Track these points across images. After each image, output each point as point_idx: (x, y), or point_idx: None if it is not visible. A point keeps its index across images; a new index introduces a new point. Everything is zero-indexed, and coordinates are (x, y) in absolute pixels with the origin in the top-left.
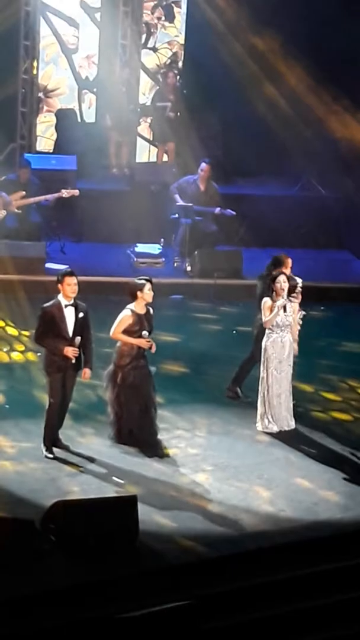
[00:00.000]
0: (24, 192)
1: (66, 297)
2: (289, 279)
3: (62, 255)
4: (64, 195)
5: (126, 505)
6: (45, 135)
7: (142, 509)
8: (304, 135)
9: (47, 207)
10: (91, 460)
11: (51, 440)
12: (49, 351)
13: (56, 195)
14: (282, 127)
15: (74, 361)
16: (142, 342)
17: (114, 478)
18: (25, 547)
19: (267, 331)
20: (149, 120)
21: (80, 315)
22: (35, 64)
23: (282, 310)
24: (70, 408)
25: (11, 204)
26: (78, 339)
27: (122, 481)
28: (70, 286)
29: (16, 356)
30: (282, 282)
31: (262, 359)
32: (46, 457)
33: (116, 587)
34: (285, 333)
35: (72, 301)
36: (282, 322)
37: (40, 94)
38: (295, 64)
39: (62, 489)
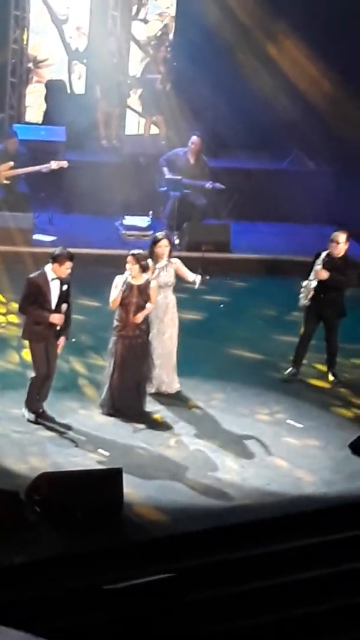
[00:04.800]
0: (12, 163)
1: (56, 272)
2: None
3: (50, 227)
4: (52, 167)
5: (111, 478)
6: (34, 106)
7: (127, 481)
8: (294, 108)
9: (36, 178)
10: (77, 432)
11: (34, 405)
12: (32, 320)
13: (44, 166)
14: (273, 100)
15: (58, 328)
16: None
17: (100, 450)
18: (10, 518)
19: None
20: (139, 92)
21: (64, 287)
22: (25, 34)
23: (163, 272)
24: (57, 380)
25: None
26: (64, 305)
27: (107, 453)
28: (68, 269)
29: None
30: (162, 247)
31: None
32: (28, 420)
33: (100, 558)
34: (168, 293)
35: (58, 276)
36: (163, 282)
37: (30, 65)
38: (286, 36)
39: (47, 461)
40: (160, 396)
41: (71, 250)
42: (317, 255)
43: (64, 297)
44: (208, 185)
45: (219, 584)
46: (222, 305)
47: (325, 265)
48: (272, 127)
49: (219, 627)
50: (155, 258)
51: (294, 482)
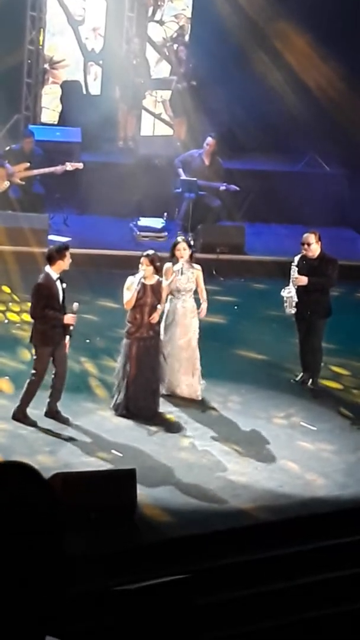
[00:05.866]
0: (28, 164)
1: (59, 270)
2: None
3: (65, 228)
4: (67, 169)
5: (124, 479)
6: (50, 107)
7: (140, 482)
8: (310, 110)
9: (51, 179)
10: (91, 433)
11: (26, 407)
12: (47, 325)
13: (60, 167)
14: (288, 102)
15: (72, 328)
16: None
17: (113, 451)
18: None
19: (169, 296)
20: (154, 93)
21: (64, 285)
22: (41, 35)
23: (180, 276)
24: (71, 381)
25: (15, 175)
26: (76, 304)
27: (121, 454)
28: (70, 260)
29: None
30: (181, 250)
31: (164, 324)
32: (20, 420)
33: (113, 560)
34: (187, 298)
35: (59, 274)
36: (182, 287)
37: (46, 65)
38: (301, 37)
39: (61, 461)
40: (174, 398)
41: (86, 251)
42: (293, 260)
43: (65, 295)
44: (222, 187)
45: (231, 586)
46: (236, 307)
47: (302, 269)
48: (288, 129)
49: (230, 630)
50: (175, 261)
51: (307, 485)
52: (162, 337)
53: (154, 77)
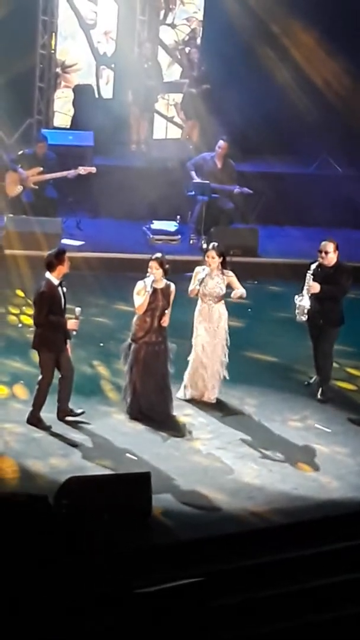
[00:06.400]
0: (41, 168)
1: (60, 275)
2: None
3: (78, 232)
4: (80, 172)
5: (139, 482)
6: (62, 111)
7: (154, 485)
8: (322, 112)
9: (64, 183)
10: (104, 436)
11: (39, 411)
12: (50, 331)
13: (73, 172)
14: (300, 104)
15: (74, 333)
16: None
17: (128, 454)
18: (39, 523)
19: (198, 300)
20: (166, 96)
21: (64, 290)
22: (53, 39)
23: (209, 280)
24: (85, 385)
25: (28, 179)
26: (78, 309)
27: (135, 457)
28: (68, 263)
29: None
30: (209, 257)
31: (195, 323)
32: (35, 424)
33: (125, 562)
34: (214, 304)
35: (60, 279)
36: (209, 292)
37: (58, 70)
38: (314, 40)
39: (75, 465)
40: (189, 401)
41: (99, 255)
42: (308, 267)
43: (65, 300)
44: (236, 190)
45: (246, 589)
46: (250, 310)
47: (317, 277)
48: (300, 131)
49: (246, 631)
50: (205, 267)
51: (322, 487)
52: (194, 337)
53: (166, 80)
